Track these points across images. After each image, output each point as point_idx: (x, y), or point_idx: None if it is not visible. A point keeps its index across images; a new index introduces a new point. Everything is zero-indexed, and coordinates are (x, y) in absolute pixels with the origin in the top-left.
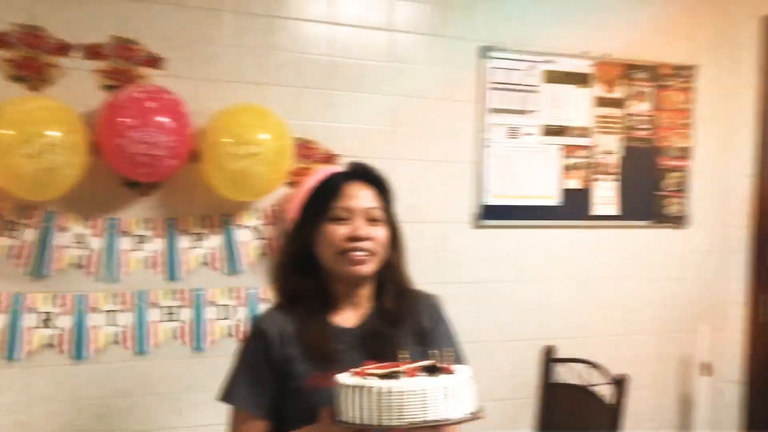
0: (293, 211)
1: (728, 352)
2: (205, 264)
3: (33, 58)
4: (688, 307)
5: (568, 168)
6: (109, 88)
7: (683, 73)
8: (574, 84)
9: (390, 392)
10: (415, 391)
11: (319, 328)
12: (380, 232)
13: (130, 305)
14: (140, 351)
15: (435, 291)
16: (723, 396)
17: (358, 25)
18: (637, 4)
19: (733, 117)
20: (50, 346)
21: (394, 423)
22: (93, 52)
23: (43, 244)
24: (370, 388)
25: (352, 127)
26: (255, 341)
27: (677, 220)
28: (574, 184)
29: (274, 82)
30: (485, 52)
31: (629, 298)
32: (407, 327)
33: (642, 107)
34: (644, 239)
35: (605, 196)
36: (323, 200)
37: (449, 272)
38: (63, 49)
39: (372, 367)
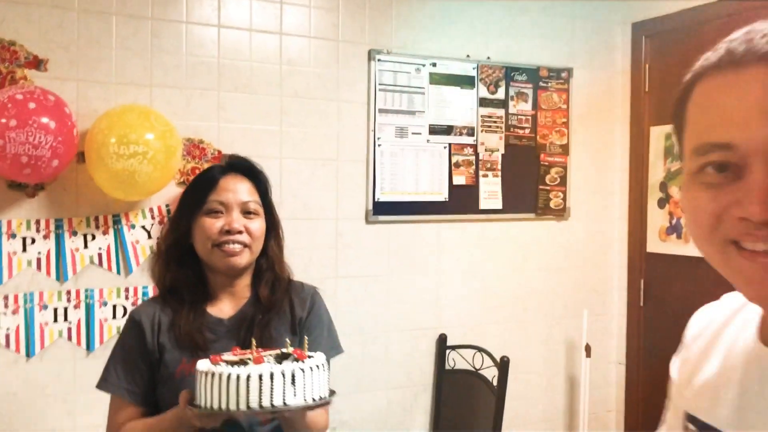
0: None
1: (609, 335)
2: (96, 264)
3: None
4: (571, 294)
5: (455, 165)
6: None
7: (561, 75)
8: (458, 86)
9: (233, 378)
10: (257, 377)
11: (193, 319)
12: (255, 225)
13: (17, 307)
14: (28, 353)
15: (331, 285)
16: (605, 376)
17: (248, 28)
18: (517, 11)
19: (607, 115)
20: None
21: (239, 408)
22: None
23: None
24: (217, 374)
25: (243, 128)
26: (130, 330)
27: (559, 213)
28: (461, 180)
29: (162, 84)
30: (374, 55)
31: (517, 287)
32: (282, 316)
33: (523, 107)
34: (528, 231)
35: (490, 192)
36: (199, 193)
37: (344, 266)
38: None
39: (226, 355)
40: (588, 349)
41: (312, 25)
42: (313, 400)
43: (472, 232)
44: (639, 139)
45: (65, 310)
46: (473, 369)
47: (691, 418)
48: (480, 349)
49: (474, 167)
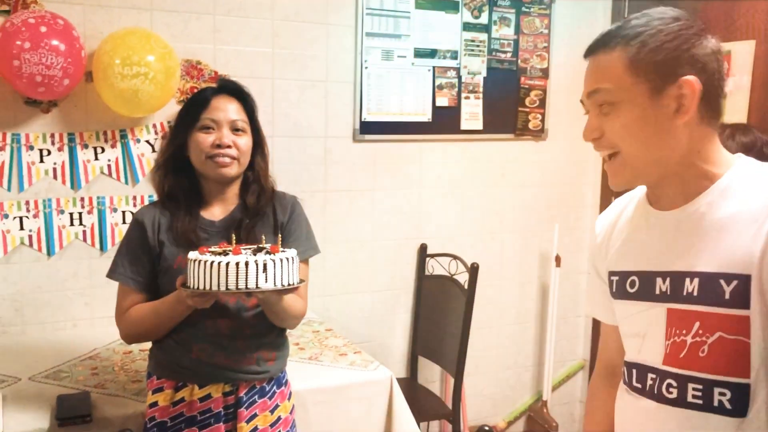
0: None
1: (581, 248)
2: (106, 174)
3: None
4: (546, 210)
5: (438, 87)
6: (4, 13)
7: (543, 0)
8: (443, 10)
9: (215, 264)
10: (234, 264)
11: (188, 220)
12: (243, 141)
13: (37, 211)
14: (50, 252)
15: (320, 198)
16: (575, 285)
17: None
18: None
19: (587, 41)
20: None
21: (219, 288)
22: None
23: None
24: (203, 261)
25: (237, 50)
26: (134, 229)
27: (537, 133)
28: (444, 102)
29: (161, 7)
30: None
31: (494, 202)
32: (265, 220)
33: (506, 32)
34: (507, 150)
35: (472, 113)
36: (194, 111)
37: (333, 181)
38: None
39: (212, 248)
40: (558, 259)
41: None
42: (282, 285)
43: (454, 151)
44: None
45: (80, 215)
46: (449, 274)
47: (612, 273)
48: (455, 257)
49: (456, 89)
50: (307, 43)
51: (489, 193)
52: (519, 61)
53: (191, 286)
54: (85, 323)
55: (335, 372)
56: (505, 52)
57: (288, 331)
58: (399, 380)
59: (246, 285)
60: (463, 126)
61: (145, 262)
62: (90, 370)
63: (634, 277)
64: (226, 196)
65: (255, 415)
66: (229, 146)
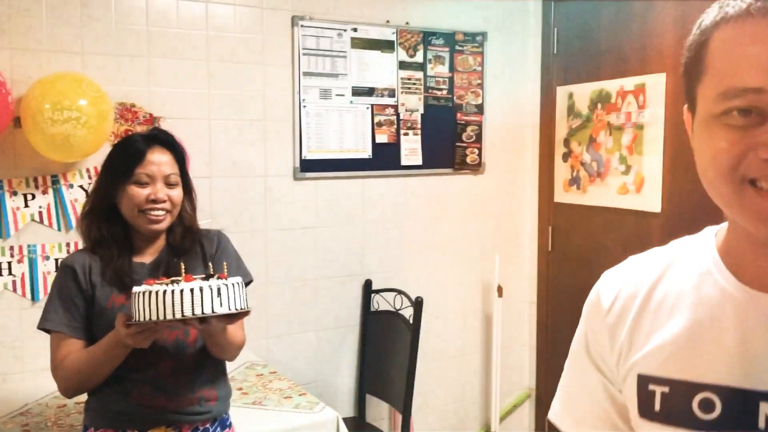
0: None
1: (521, 277)
2: (37, 221)
3: None
4: (486, 240)
5: (377, 125)
6: None
7: (476, 38)
8: (379, 50)
9: (169, 293)
10: (189, 290)
11: (120, 265)
12: (176, 193)
13: None
14: None
15: (261, 237)
16: (518, 314)
17: None
18: None
19: (519, 76)
20: None
21: (174, 316)
22: None
23: None
24: (155, 291)
25: (172, 91)
26: (64, 275)
27: (475, 168)
28: (383, 138)
29: (93, 51)
30: (297, 21)
31: (436, 235)
32: (194, 255)
33: (440, 69)
34: (447, 184)
35: (411, 149)
36: (128, 164)
37: (274, 220)
38: None
39: (159, 280)
40: (500, 289)
41: None
42: (237, 309)
43: (395, 186)
44: (548, 98)
45: (9, 264)
46: (394, 310)
47: (650, 379)
48: (400, 292)
49: (395, 126)
50: (244, 83)
51: (431, 226)
52: (455, 97)
53: (137, 320)
54: (15, 377)
55: (280, 416)
56: (441, 89)
57: (230, 375)
58: (346, 420)
59: (202, 310)
60: (403, 162)
61: (80, 306)
62: (21, 427)
63: (711, 396)
64: (155, 241)
65: None
66: (163, 201)
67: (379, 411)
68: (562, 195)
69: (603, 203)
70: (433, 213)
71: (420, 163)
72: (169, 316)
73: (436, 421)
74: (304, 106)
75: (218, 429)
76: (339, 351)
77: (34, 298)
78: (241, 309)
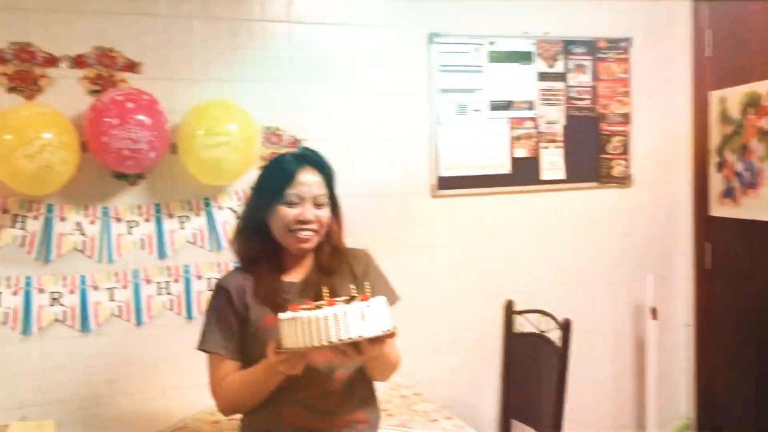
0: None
1: (676, 297)
2: (191, 243)
3: (26, 71)
4: (636, 259)
5: (516, 138)
6: (94, 92)
7: (620, 45)
8: (517, 62)
9: (314, 319)
10: (333, 315)
11: (272, 283)
12: (324, 213)
13: (126, 282)
14: (138, 322)
15: (400, 256)
16: (673, 338)
17: (316, 22)
18: None
19: (668, 82)
20: (60, 321)
21: (322, 342)
22: (78, 62)
23: (47, 233)
24: (299, 318)
25: (315, 114)
26: (219, 296)
27: (622, 180)
28: (523, 152)
29: (241, 78)
30: (433, 38)
31: (581, 253)
32: (343, 275)
33: (582, 79)
34: (592, 199)
35: (552, 162)
36: (278, 185)
37: (412, 239)
38: (52, 61)
39: (304, 304)
40: (654, 311)
41: (374, 13)
42: (383, 331)
43: (536, 202)
44: (700, 104)
45: (167, 283)
46: (539, 332)
47: None
48: (545, 313)
49: (535, 140)
50: (381, 102)
51: (575, 244)
52: (598, 107)
53: (285, 347)
54: (173, 393)
55: None
56: (583, 99)
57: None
58: None
59: (348, 335)
60: (544, 176)
61: (235, 327)
62: None
63: None
64: (303, 260)
65: None
66: (311, 221)
67: None
68: (717, 208)
69: (759, 216)
70: (578, 229)
71: (562, 177)
72: (316, 343)
73: None
74: (441, 123)
75: None
76: (481, 374)
77: (189, 316)
78: (387, 331)
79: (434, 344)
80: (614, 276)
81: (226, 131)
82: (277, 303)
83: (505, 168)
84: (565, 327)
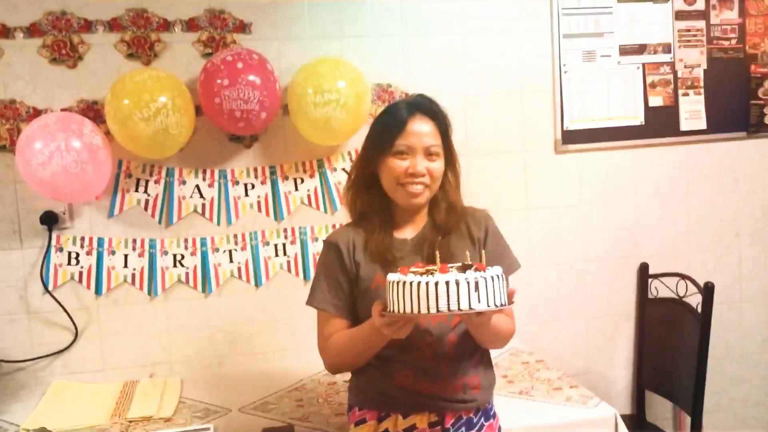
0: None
1: None
2: (306, 204)
3: (143, 37)
4: None
5: (650, 86)
6: (206, 55)
7: None
8: (650, 0)
9: (423, 285)
10: (444, 284)
11: (382, 239)
12: (436, 166)
13: (245, 244)
14: (257, 283)
15: (521, 217)
16: None
17: None
18: None
19: None
20: (182, 282)
21: (429, 311)
22: (190, 25)
23: (168, 196)
24: (408, 282)
25: (426, 68)
26: (329, 253)
27: None
28: (658, 101)
29: (350, 34)
30: None
31: (725, 211)
32: (459, 237)
33: (727, 16)
34: (739, 151)
35: (692, 111)
36: (388, 135)
37: (534, 198)
38: (166, 25)
39: (413, 267)
40: None
41: None
42: (495, 306)
43: (673, 155)
44: None
45: (284, 245)
46: (677, 297)
47: None
48: (684, 277)
49: (672, 86)
50: (499, 53)
51: (719, 201)
52: (747, 47)
53: (392, 311)
54: (291, 353)
55: (549, 409)
56: (728, 39)
57: (494, 362)
58: (623, 417)
59: (458, 306)
60: (683, 126)
61: (344, 285)
62: (295, 402)
63: None
64: (416, 216)
65: None
66: (422, 174)
67: (661, 410)
68: None
69: None
70: (722, 185)
71: (704, 127)
72: (423, 311)
73: (732, 426)
74: (566, 72)
75: (482, 419)
76: (612, 341)
77: (306, 277)
78: (500, 306)
79: (560, 310)
80: (764, 236)
81: (335, 89)
82: (388, 260)
83: (638, 119)
84: (707, 291)
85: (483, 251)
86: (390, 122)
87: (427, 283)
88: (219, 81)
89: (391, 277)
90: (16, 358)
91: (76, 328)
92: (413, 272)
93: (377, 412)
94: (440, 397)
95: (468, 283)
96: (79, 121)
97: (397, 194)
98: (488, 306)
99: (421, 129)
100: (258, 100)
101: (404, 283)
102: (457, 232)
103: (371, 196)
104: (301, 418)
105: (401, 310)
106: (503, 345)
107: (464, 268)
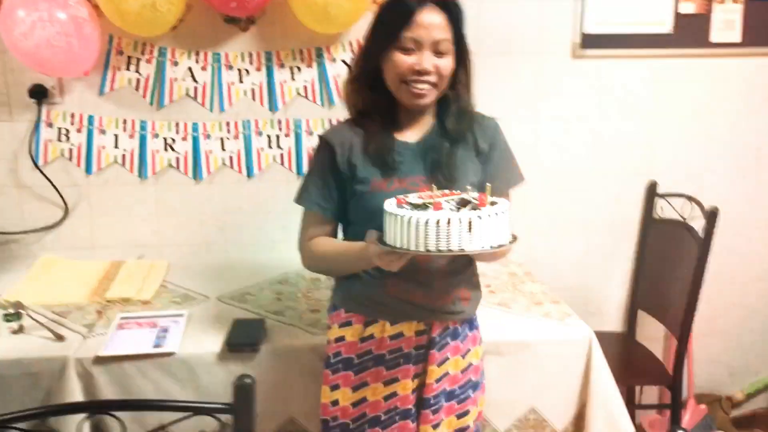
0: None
1: None
2: (302, 96)
3: None
4: None
5: None
6: None
7: None
8: None
9: (413, 221)
10: (435, 222)
11: (383, 140)
12: (445, 63)
13: (237, 133)
14: (249, 174)
15: (530, 126)
16: None
17: None
18: None
19: None
20: (173, 167)
21: (417, 249)
22: None
23: (160, 77)
24: (399, 216)
25: None
26: (321, 152)
27: None
28: (690, 8)
29: None
30: None
31: (751, 134)
32: (465, 146)
33: None
34: None
35: (727, 21)
36: (393, 26)
37: (547, 106)
38: None
39: (411, 196)
40: None
41: None
42: (491, 247)
43: (701, 70)
44: None
45: (277, 137)
46: (682, 219)
47: None
48: (691, 199)
49: None
50: None
51: (744, 122)
52: None
53: (385, 241)
54: (281, 246)
55: (525, 323)
56: None
57: (480, 270)
58: (614, 335)
59: (448, 247)
60: (714, 38)
61: (334, 187)
62: (275, 294)
63: None
64: (421, 118)
65: (447, 359)
66: (429, 72)
67: (653, 331)
68: None
69: None
70: (750, 106)
71: (738, 39)
72: (413, 248)
73: (724, 351)
74: None
75: (466, 330)
76: (611, 258)
77: (299, 172)
78: (498, 246)
79: (561, 223)
80: None
81: None
82: (388, 164)
83: (665, 26)
84: (711, 216)
85: (488, 184)
86: (396, 11)
87: (417, 221)
88: None
89: (388, 206)
90: (7, 230)
91: (66, 205)
92: (409, 203)
93: (364, 317)
94: (431, 307)
95: (460, 222)
96: None
97: (401, 93)
98: (483, 247)
99: (431, 21)
100: None
101: (396, 216)
102: (463, 141)
103: (373, 94)
104: (275, 311)
105: (395, 244)
106: (496, 260)
107: (463, 203)
